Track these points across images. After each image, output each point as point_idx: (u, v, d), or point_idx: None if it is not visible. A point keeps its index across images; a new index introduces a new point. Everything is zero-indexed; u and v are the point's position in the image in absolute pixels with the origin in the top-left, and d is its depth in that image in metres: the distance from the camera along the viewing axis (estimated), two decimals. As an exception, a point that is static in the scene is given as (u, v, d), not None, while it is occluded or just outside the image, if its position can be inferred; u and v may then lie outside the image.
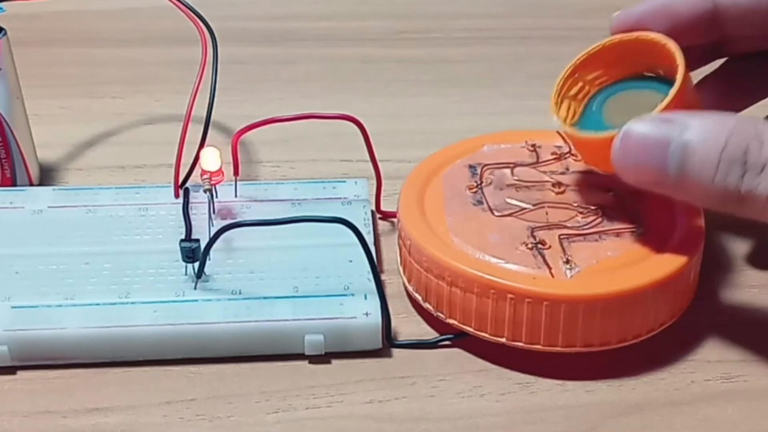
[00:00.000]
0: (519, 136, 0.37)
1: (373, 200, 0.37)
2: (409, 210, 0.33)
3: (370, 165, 0.36)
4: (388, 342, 0.31)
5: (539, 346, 0.30)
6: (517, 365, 0.31)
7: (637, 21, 0.33)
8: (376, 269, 0.31)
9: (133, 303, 0.31)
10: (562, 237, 0.31)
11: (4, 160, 0.37)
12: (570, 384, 0.30)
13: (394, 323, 0.32)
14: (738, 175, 0.27)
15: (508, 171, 0.35)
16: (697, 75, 0.35)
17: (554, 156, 0.36)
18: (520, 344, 0.30)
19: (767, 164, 0.27)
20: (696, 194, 0.28)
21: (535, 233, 0.32)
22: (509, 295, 0.29)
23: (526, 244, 0.31)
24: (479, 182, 0.34)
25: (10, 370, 0.30)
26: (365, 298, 0.31)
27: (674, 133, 0.28)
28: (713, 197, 0.28)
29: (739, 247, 0.36)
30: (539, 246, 0.31)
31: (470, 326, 0.31)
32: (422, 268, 0.31)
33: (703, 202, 0.29)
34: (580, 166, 0.35)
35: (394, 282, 0.34)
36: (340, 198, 0.36)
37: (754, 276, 0.35)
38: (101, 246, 0.34)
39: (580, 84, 0.34)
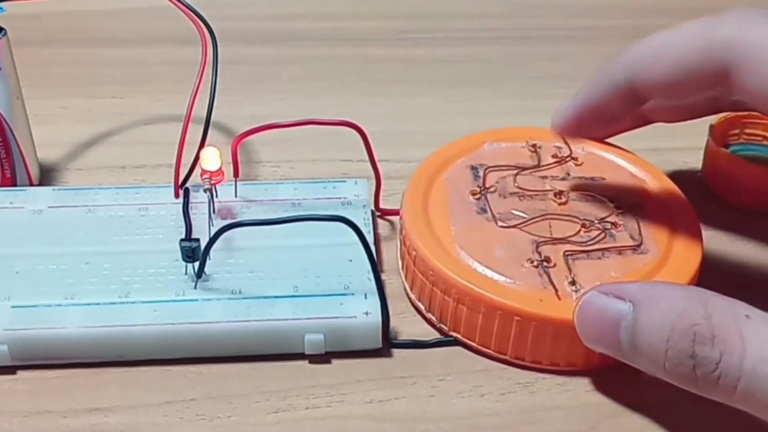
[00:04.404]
0: (519, 134, 0.37)
1: (372, 200, 0.37)
2: (413, 216, 0.33)
3: (369, 165, 0.36)
4: (388, 342, 0.31)
5: (542, 366, 0.30)
6: (517, 365, 0.31)
7: (577, 124, 0.35)
8: (376, 269, 0.31)
9: (133, 303, 0.31)
10: (566, 254, 0.31)
11: (4, 160, 0.37)
12: (570, 384, 0.30)
13: (394, 323, 0.32)
14: (688, 367, 0.26)
15: (510, 178, 0.35)
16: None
17: (555, 159, 0.36)
18: (524, 363, 0.30)
19: (722, 357, 0.25)
20: (654, 373, 0.27)
21: (539, 249, 0.32)
22: (516, 318, 0.29)
23: (531, 261, 0.31)
24: (482, 187, 0.34)
25: (10, 370, 0.30)
26: (365, 297, 0.31)
27: (624, 312, 0.27)
28: (671, 380, 0.27)
29: (739, 253, 0.36)
30: (544, 264, 0.31)
31: (473, 341, 0.31)
32: (428, 280, 0.31)
33: (665, 380, 0.27)
34: (580, 171, 0.35)
35: (394, 282, 0.34)
36: (340, 198, 0.36)
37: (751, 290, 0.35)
38: (101, 246, 0.34)
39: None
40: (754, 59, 0.28)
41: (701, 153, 0.40)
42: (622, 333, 0.27)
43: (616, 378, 0.30)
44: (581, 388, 0.30)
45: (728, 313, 0.26)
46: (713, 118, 0.39)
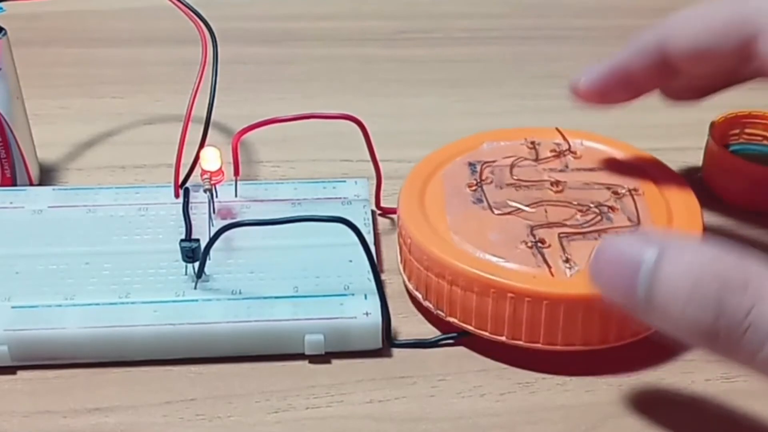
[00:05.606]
0: (518, 134, 0.37)
1: (373, 200, 0.37)
2: (409, 208, 0.33)
3: (370, 165, 0.36)
4: (388, 342, 0.31)
5: (539, 345, 0.30)
6: (517, 364, 0.31)
7: (603, 89, 0.34)
8: (376, 269, 0.31)
9: (133, 303, 0.31)
10: (561, 235, 0.32)
11: (4, 160, 0.37)
12: (570, 384, 0.30)
13: (394, 323, 0.32)
14: (711, 315, 0.23)
15: (507, 169, 0.35)
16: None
17: (553, 153, 0.36)
18: (520, 343, 0.30)
19: (754, 307, 0.23)
20: (667, 326, 0.25)
21: (534, 232, 0.32)
22: (509, 294, 0.29)
23: (526, 243, 0.31)
24: (479, 180, 0.34)
25: (10, 370, 0.30)
26: (365, 297, 0.31)
27: (646, 256, 0.25)
28: (686, 334, 0.24)
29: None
30: (539, 245, 0.31)
31: (470, 325, 0.31)
32: (422, 266, 0.31)
33: (678, 335, 0.25)
34: (579, 163, 0.36)
35: (394, 281, 0.34)
36: (340, 198, 0.36)
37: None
38: (101, 246, 0.34)
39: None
40: None
41: (701, 153, 0.40)
42: (641, 277, 0.25)
43: (617, 378, 0.30)
44: (581, 388, 0.30)
45: (765, 266, 0.23)
46: (713, 118, 0.39)
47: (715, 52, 0.31)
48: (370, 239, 0.34)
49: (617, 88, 0.34)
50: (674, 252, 0.24)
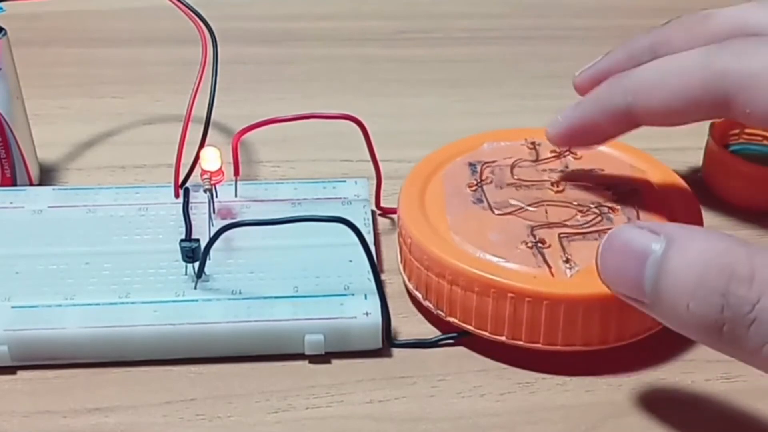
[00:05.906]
0: (519, 134, 0.37)
1: (373, 200, 0.37)
2: (409, 208, 0.33)
3: (370, 165, 0.36)
4: (388, 342, 0.31)
5: (539, 345, 0.30)
6: (517, 364, 0.31)
7: (568, 136, 0.34)
8: (376, 269, 0.31)
9: (133, 303, 0.31)
10: (561, 236, 0.32)
11: (4, 160, 0.37)
12: (570, 384, 0.30)
13: (394, 323, 0.32)
14: (716, 308, 0.23)
15: (507, 169, 0.35)
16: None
17: (554, 154, 0.36)
18: (520, 343, 0.30)
19: (760, 300, 0.23)
20: (672, 321, 0.25)
21: (535, 232, 0.32)
22: (509, 294, 0.29)
23: (526, 243, 0.31)
24: (479, 180, 0.35)
25: (10, 370, 0.30)
26: (365, 298, 0.31)
27: (654, 247, 0.24)
28: (691, 328, 0.24)
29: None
30: (539, 245, 0.31)
31: (470, 324, 0.31)
32: (423, 266, 0.31)
33: (683, 330, 0.25)
34: (579, 164, 0.36)
35: (395, 281, 0.34)
36: (340, 198, 0.36)
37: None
38: (101, 246, 0.34)
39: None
40: (752, 86, 0.28)
41: (701, 153, 0.40)
42: (648, 269, 0.24)
43: (617, 378, 0.30)
44: (581, 388, 0.30)
45: None
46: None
47: (686, 113, 0.30)
48: (370, 239, 0.34)
49: (582, 139, 0.34)
50: (681, 243, 0.24)
